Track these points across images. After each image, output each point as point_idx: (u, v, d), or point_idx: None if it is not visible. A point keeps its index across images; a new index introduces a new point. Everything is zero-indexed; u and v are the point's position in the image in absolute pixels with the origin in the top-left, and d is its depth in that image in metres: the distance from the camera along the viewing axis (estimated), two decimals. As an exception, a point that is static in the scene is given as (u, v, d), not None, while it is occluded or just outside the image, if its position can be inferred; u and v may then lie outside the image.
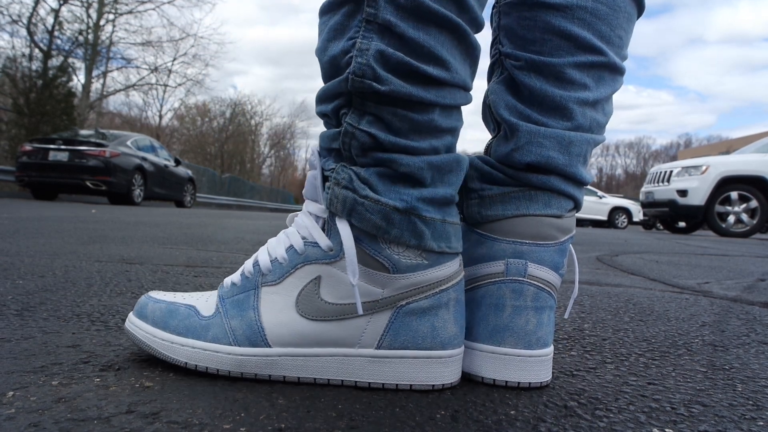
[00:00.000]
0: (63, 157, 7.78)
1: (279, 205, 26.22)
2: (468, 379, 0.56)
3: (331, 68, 0.51)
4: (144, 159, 8.81)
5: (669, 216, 6.99)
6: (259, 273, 0.54)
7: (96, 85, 18.06)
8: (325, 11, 0.52)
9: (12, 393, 0.45)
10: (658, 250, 3.07)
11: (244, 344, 0.52)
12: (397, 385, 0.52)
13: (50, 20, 13.55)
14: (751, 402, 0.53)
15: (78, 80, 15.87)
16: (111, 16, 16.91)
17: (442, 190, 0.52)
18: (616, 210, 14.34)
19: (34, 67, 12.18)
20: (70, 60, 13.91)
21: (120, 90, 19.75)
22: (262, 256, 0.55)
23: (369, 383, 0.52)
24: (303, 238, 0.53)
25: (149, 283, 1.08)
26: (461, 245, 0.55)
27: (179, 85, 22.10)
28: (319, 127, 0.71)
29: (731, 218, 6.28)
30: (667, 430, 0.45)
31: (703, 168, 6.41)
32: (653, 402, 0.52)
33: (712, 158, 6.91)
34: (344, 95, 0.50)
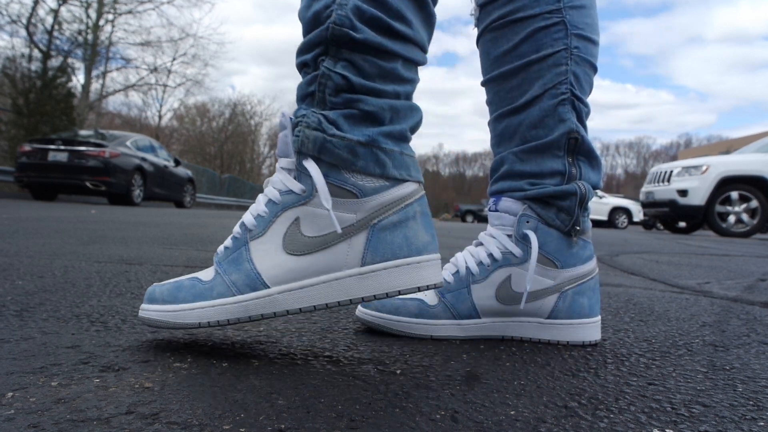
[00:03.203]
0: (62, 157, 7.78)
1: (279, 206, 26.06)
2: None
3: (313, 22, 0.58)
4: (143, 159, 8.80)
5: (669, 216, 6.99)
6: (246, 230, 0.60)
7: (95, 86, 18.07)
8: None
9: (11, 394, 0.45)
10: (658, 250, 3.07)
11: (245, 291, 0.57)
12: (386, 293, 0.57)
13: (49, 20, 13.55)
14: (751, 402, 0.53)
15: (77, 80, 15.87)
16: (110, 16, 16.91)
17: (398, 127, 0.59)
18: (616, 210, 14.34)
19: (33, 68, 12.16)
20: (70, 60, 13.91)
21: (119, 90, 19.76)
22: (246, 216, 0.60)
23: (362, 298, 0.57)
24: (278, 190, 0.59)
25: (149, 283, 1.08)
26: (421, 175, 0.62)
27: (179, 85, 22.11)
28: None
29: (731, 218, 6.27)
30: (667, 430, 0.45)
31: (704, 168, 6.41)
32: (654, 402, 0.52)
33: (713, 158, 6.91)
34: (323, 44, 0.57)
